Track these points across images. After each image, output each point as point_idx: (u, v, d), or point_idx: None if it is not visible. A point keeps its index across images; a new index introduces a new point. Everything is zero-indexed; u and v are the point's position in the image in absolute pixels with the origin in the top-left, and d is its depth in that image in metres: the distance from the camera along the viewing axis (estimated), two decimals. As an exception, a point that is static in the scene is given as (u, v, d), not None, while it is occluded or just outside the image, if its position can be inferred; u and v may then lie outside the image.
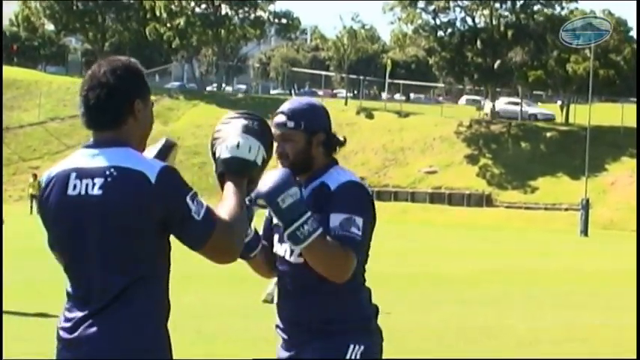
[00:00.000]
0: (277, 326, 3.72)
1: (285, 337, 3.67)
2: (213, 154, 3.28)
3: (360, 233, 3.49)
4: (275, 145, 3.61)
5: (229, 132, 3.27)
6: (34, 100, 55.28)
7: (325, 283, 3.52)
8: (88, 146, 3.05)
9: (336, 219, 3.50)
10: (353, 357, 3.53)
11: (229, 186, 3.12)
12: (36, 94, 56.02)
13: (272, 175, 3.39)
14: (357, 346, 3.54)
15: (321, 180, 3.63)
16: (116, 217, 2.91)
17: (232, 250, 3.00)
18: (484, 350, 9.41)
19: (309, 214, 3.37)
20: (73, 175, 2.99)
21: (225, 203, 3.04)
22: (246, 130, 3.26)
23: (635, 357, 8.89)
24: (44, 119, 54.52)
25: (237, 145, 3.20)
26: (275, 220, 3.62)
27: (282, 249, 3.69)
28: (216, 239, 2.93)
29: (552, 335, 10.63)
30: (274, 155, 3.62)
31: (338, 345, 3.54)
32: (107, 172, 2.93)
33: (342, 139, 3.73)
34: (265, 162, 3.26)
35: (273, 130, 3.61)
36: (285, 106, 3.69)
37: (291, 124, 3.62)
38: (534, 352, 9.49)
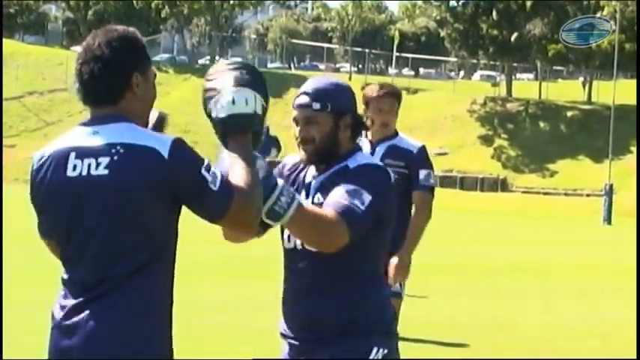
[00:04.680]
0: (283, 333, 3.65)
1: (296, 342, 3.60)
2: (209, 115, 3.22)
3: (362, 208, 3.40)
4: (296, 129, 3.59)
5: (220, 89, 3.21)
6: (11, 72, 55.23)
7: (346, 279, 3.50)
8: (85, 124, 3.06)
9: (342, 188, 3.45)
10: (376, 358, 3.52)
11: (234, 147, 3.12)
12: (13, 66, 55.96)
13: None
14: (380, 349, 3.53)
15: (344, 164, 3.60)
16: (125, 198, 2.93)
17: (252, 219, 3.03)
18: (494, 347, 9.45)
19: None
20: (72, 154, 2.99)
21: (235, 168, 3.06)
22: (237, 82, 3.19)
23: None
24: (21, 93, 54.54)
25: (233, 102, 3.15)
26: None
27: (293, 241, 3.61)
28: (236, 208, 2.96)
29: (569, 332, 10.66)
30: (296, 141, 3.59)
31: (361, 346, 3.52)
32: (113, 151, 2.94)
33: (368, 122, 3.72)
34: (265, 109, 3.21)
35: (295, 112, 3.58)
36: (308, 86, 3.62)
37: (316, 105, 3.56)
38: (548, 350, 9.52)
